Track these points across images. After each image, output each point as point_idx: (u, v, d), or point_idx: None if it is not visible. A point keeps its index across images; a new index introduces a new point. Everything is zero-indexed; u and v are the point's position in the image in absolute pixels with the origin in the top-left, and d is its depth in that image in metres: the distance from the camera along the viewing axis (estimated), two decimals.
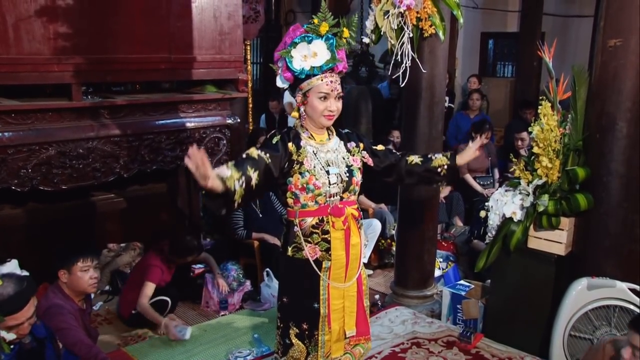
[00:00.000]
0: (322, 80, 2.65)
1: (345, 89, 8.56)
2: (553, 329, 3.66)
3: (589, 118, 3.76)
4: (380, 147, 3.05)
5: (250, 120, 7.58)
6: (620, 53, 3.52)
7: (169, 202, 5.34)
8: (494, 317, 4.15)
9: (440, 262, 5.22)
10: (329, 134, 2.85)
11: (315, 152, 2.75)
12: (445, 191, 6.28)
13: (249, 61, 7.26)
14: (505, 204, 3.97)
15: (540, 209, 3.74)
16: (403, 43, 4.05)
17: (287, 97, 8.36)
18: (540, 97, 3.94)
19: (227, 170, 2.40)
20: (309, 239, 2.72)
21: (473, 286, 4.51)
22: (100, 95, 4.50)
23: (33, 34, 4.00)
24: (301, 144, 2.74)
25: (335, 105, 2.71)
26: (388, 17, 4.03)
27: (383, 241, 5.82)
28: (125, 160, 4.53)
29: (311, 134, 2.77)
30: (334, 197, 2.75)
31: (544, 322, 3.80)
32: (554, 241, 3.84)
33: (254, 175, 2.49)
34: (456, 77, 10.13)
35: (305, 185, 2.69)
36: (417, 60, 4.13)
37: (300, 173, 2.69)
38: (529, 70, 9.25)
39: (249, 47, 7.16)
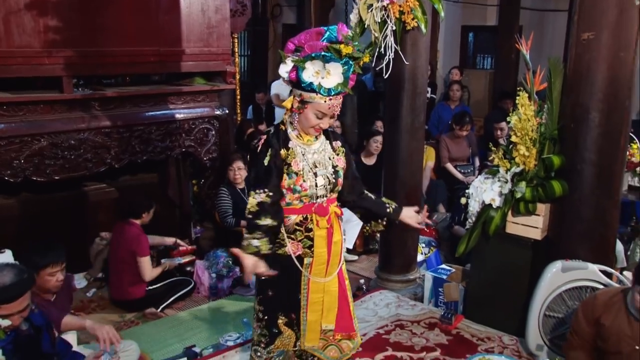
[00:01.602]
0: (325, 101, 2.57)
1: None
2: (529, 310, 3.68)
3: (564, 108, 3.76)
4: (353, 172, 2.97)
5: (238, 111, 7.56)
6: (593, 46, 3.51)
7: (159, 191, 5.33)
8: (473, 299, 4.20)
9: (422, 247, 5.26)
10: (315, 135, 2.76)
11: (303, 152, 2.69)
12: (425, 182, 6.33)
13: (236, 54, 7.24)
14: (484, 191, 4.00)
15: (518, 195, 3.77)
16: (386, 36, 4.07)
17: (274, 89, 8.33)
18: (518, 88, 3.95)
19: (256, 242, 2.56)
20: (292, 236, 2.69)
21: (454, 270, 4.55)
22: (91, 88, 4.47)
23: (24, 27, 3.98)
24: (289, 145, 2.68)
25: (328, 123, 2.66)
26: (372, 11, 4.05)
27: (368, 228, 5.85)
28: (116, 151, 4.52)
29: (300, 134, 2.71)
30: (320, 198, 2.72)
31: (520, 303, 3.83)
32: (531, 226, 3.86)
33: (269, 221, 2.58)
34: (438, 69, 10.13)
35: (292, 186, 2.65)
36: (400, 52, 4.16)
37: (288, 174, 2.65)
38: (507, 62, 9.24)
39: (236, 40, 7.13)
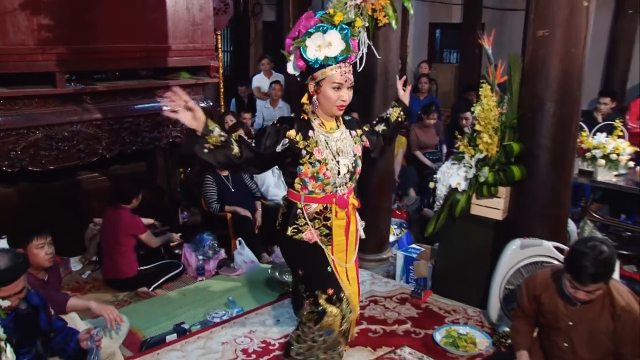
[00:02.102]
0: (336, 70, 2.48)
1: None
2: (491, 284, 3.72)
3: (522, 99, 3.79)
4: (367, 127, 2.94)
5: (222, 103, 7.51)
6: (547, 42, 3.54)
7: (148, 180, 5.30)
8: (441, 275, 4.23)
9: (394, 228, 5.28)
10: (337, 123, 2.67)
11: (326, 140, 2.58)
12: (397, 169, 6.35)
13: (219, 49, 7.20)
14: (451, 176, 4.02)
15: (481, 179, 3.81)
16: (360, 32, 4.08)
17: (256, 82, 8.34)
18: (481, 81, 3.97)
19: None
20: (311, 224, 2.60)
21: (423, 249, 4.57)
22: (83, 83, 4.43)
23: (19, 26, 3.92)
24: (310, 134, 2.55)
25: (348, 95, 2.55)
26: (347, 8, 4.06)
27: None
28: (107, 142, 4.49)
29: (322, 122, 2.60)
30: (341, 186, 2.63)
31: (483, 278, 3.86)
32: (493, 208, 3.90)
33: (235, 143, 2.41)
34: (407, 63, 10.15)
35: (315, 174, 2.54)
36: (372, 47, 4.17)
37: (311, 163, 2.53)
38: (471, 57, 9.30)
39: (219, 37, 7.08)
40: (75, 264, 4.87)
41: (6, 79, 4.10)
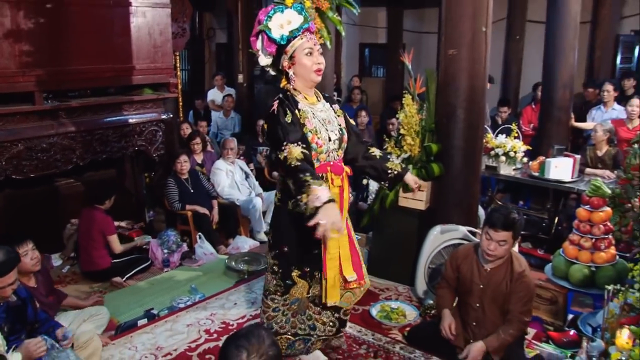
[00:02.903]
0: (302, 39, 2.38)
1: (256, 89, 8.60)
2: (417, 265, 3.80)
3: (438, 107, 3.86)
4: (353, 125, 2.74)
5: (181, 115, 7.44)
6: (456, 60, 3.64)
7: (118, 184, 5.22)
8: (375, 259, 4.24)
9: None
10: (317, 97, 2.53)
11: (313, 112, 2.44)
12: None
13: (178, 68, 7.09)
14: None
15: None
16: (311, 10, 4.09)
17: (210, 96, 8.29)
18: (404, 92, 4.03)
19: (322, 187, 2.12)
20: None
21: (360, 237, 4.49)
22: (59, 100, 4.36)
23: (2, 51, 3.86)
24: (299, 106, 2.41)
25: (321, 59, 2.42)
26: None
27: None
28: (81, 151, 4.43)
29: (304, 96, 2.46)
30: (332, 153, 2.46)
31: (411, 260, 3.90)
32: (417, 200, 3.92)
33: (309, 178, 2.17)
34: (342, 77, 10.24)
35: (309, 144, 2.36)
36: None
37: (304, 134, 2.37)
38: (395, 72, 9.47)
39: (178, 57, 6.97)
40: (55, 260, 4.77)
41: None
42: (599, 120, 5.69)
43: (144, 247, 4.90)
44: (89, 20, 4.39)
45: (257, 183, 5.90)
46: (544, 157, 4.88)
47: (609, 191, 3.61)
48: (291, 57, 2.40)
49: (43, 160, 4.20)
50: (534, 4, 7.77)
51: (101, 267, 4.44)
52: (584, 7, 5.87)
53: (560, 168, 4.68)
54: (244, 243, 5.21)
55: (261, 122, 7.46)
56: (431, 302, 3.66)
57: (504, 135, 4.96)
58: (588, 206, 3.54)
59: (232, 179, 5.66)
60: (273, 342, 1.52)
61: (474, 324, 2.94)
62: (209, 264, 4.81)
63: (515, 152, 4.81)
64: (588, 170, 4.97)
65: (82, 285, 4.39)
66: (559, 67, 5.43)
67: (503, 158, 4.82)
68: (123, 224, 5.08)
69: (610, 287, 2.62)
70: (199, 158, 5.90)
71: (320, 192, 2.08)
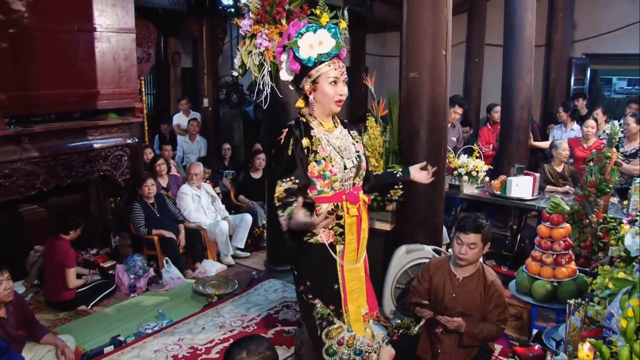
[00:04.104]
0: (330, 66, 2.26)
1: (221, 113, 8.56)
2: (384, 284, 3.80)
3: (401, 129, 3.91)
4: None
5: (146, 140, 7.36)
6: (418, 82, 3.69)
7: (83, 209, 5.11)
8: None
9: None
10: (334, 123, 2.42)
11: (327, 139, 2.33)
12: None
13: (143, 93, 7.08)
14: None
15: (372, 197, 3.92)
16: (264, 75, 4.09)
17: (176, 120, 8.22)
18: (367, 114, 4.10)
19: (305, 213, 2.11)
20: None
21: None
22: (22, 125, 4.28)
23: None
24: (312, 133, 2.30)
25: (344, 90, 2.31)
26: (251, 56, 4.08)
27: (257, 229, 5.87)
28: (45, 177, 4.35)
29: (320, 122, 2.35)
30: (348, 182, 2.35)
31: (378, 279, 3.75)
32: (383, 220, 3.97)
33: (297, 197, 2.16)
34: None
35: (321, 172, 2.27)
36: (275, 88, 4.21)
37: (316, 161, 2.27)
38: (358, 94, 9.49)
39: (143, 82, 6.95)
40: (19, 288, 4.55)
41: None
42: (558, 139, 5.85)
43: (110, 272, 4.77)
44: (53, 45, 4.33)
45: (223, 207, 5.85)
46: (505, 176, 4.98)
47: (568, 208, 3.69)
48: (314, 82, 2.30)
49: (5, 186, 4.11)
50: (491, 28, 7.99)
51: (66, 299, 4.30)
52: (538, 31, 6.07)
53: (521, 186, 4.79)
54: (211, 267, 5.13)
55: (227, 145, 7.45)
56: (399, 321, 3.67)
57: (466, 155, 5.04)
58: (548, 223, 3.62)
59: (198, 203, 5.59)
60: (270, 346, 1.80)
61: (443, 332, 2.92)
62: (176, 288, 4.72)
63: (477, 172, 4.89)
64: (549, 187, 5.11)
65: (46, 314, 4.24)
66: (517, 88, 5.58)
67: (466, 177, 4.90)
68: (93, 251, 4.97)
69: (571, 301, 2.65)
70: (164, 182, 5.81)
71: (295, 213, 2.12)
